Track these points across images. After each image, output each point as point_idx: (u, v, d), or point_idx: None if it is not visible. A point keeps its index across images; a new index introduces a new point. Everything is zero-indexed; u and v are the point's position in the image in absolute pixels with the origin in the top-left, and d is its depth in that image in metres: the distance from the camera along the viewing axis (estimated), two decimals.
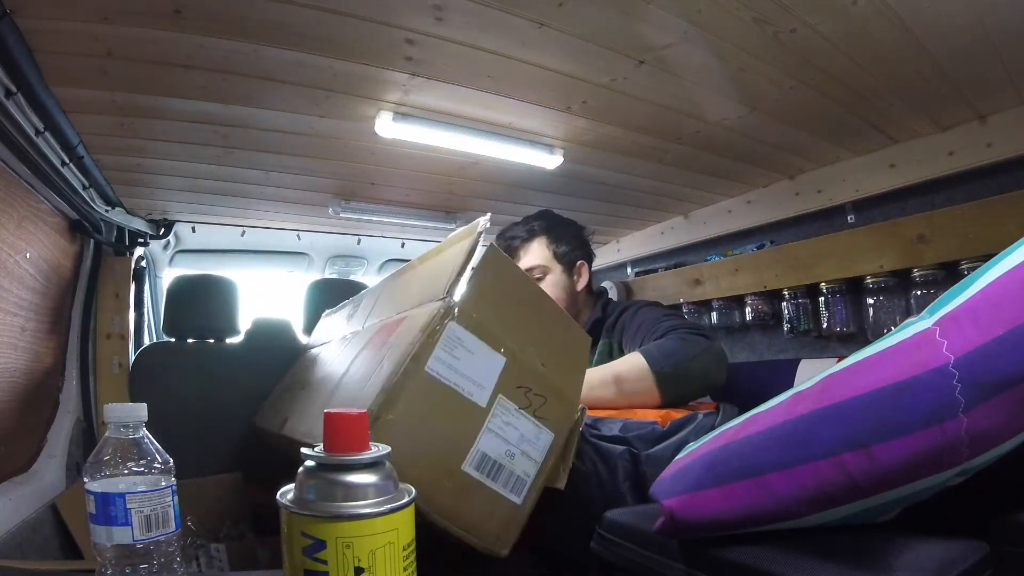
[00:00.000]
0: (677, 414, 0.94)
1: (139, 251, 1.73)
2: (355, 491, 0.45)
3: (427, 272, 0.87)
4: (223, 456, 1.47)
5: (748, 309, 1.76)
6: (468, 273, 0.72)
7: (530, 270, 1.32)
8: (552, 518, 0.92)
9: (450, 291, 0.70)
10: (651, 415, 0.93)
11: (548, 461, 0.73)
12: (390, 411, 0.62)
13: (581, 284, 1.35)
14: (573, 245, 1.35)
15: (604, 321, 1.29)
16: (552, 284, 1.32)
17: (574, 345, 0.85)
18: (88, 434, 1.44)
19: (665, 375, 1.00)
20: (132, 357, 1.65)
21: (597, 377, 1.03)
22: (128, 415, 0.57)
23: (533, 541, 0.94)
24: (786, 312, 1.64)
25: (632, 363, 1.03)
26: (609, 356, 1.20)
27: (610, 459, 0.84)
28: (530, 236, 1.33)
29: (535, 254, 1.33)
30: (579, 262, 1.36)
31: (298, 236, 2.04)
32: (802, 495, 0.50)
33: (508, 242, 1.36)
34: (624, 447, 0.85)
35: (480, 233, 0.74)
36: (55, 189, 1.15)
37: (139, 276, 1.76)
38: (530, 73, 1.00)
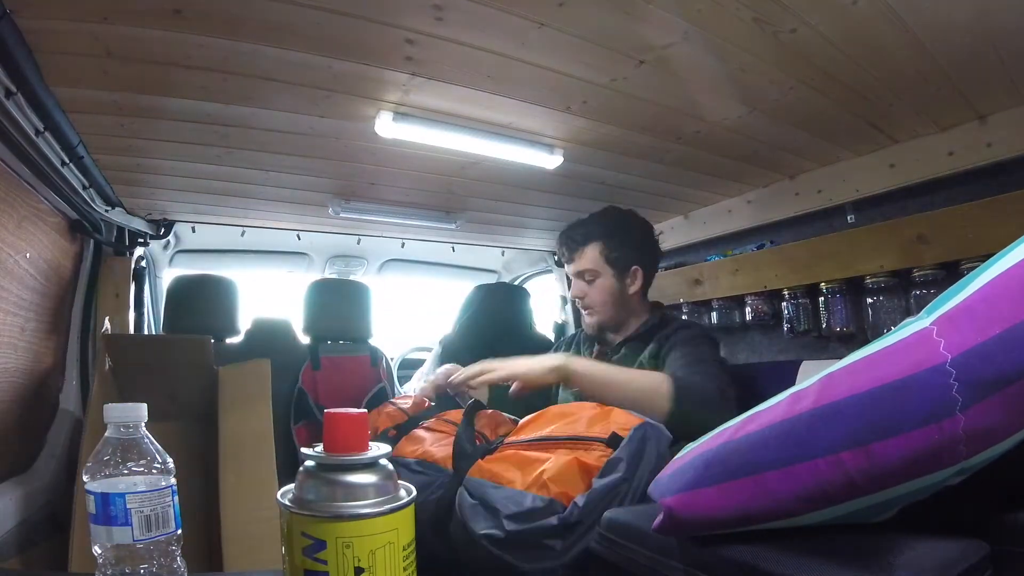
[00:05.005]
0: None
1: (139, 251, 1.73)
2: (355, 491, 0.45)
3: None
4: None
5: (748, 309, 1.76)
6: None
7: (582, 272, 1.36)
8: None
9: None
10: None
11: None
12: None
13: (633, 288, 1.35)
14: (629, 249, 1.34)
15: (659, 328, 1.30)
16: (599, 288, 1.34)
17: None
18: None
19: (677, 414, 1.00)
20: None
21: (634, 385, 1.05)
22: (128, 415, 0.57)
23: None
24: (786, 312, 1.64)
25: (657, 385, 1.05)
26: (655, 359, 1.23)
27: None
28: (585, 240, 1.35)
29: (587, 258, 1.34)
30: (633, 267, 1.35)
31: (298, 236, 2.04)
32: (800, 493, 0.50)
33: (566, 243, 1.38)
34: None
35: None
36: (55, 189, 1.16)
37: (139, 276, 1.76)
38: (530, 73, 1.00)
